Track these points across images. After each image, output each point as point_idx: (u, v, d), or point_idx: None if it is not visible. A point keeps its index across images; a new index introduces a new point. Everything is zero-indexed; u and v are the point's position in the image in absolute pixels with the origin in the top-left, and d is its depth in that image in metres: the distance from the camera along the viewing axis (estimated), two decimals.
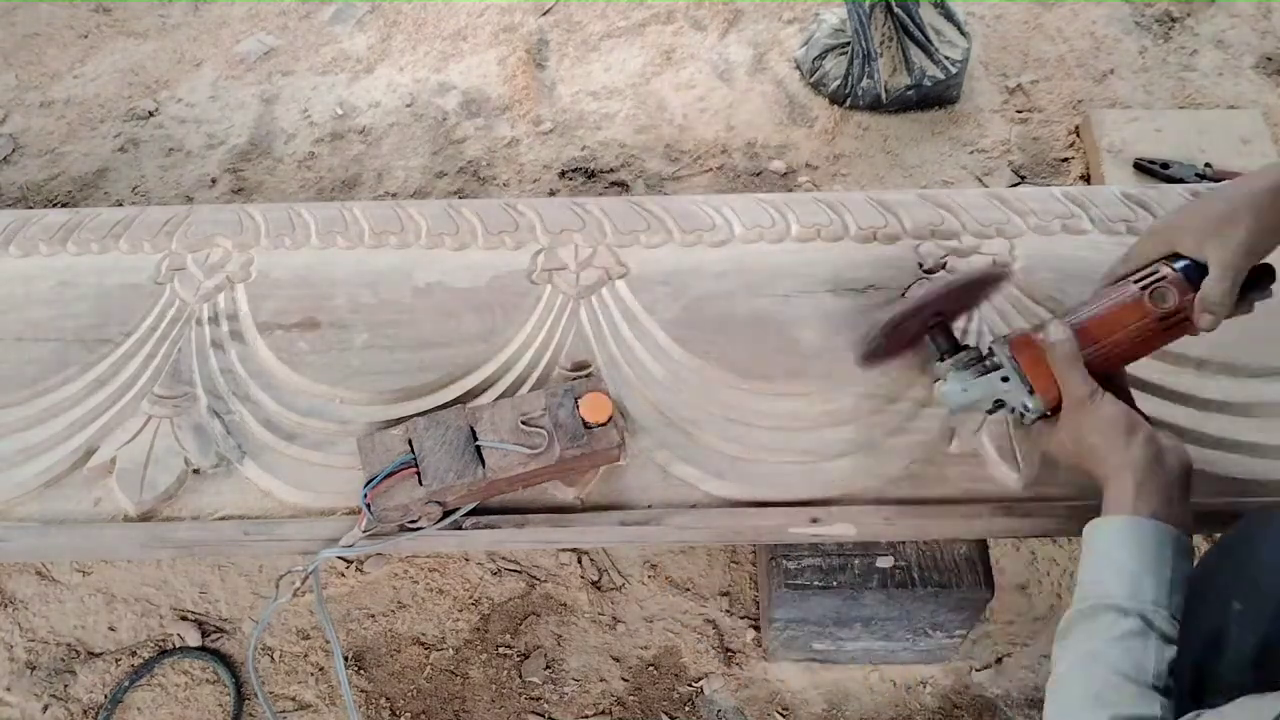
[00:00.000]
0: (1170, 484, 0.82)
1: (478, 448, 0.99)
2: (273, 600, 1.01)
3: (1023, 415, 0.91)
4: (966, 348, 0.94)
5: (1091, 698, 0.74)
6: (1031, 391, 0.89)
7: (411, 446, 0.99)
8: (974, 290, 0.98)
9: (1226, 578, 0.80)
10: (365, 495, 0.96)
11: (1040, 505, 1.02)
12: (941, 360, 0.95)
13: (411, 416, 1.02)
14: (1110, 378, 0.89)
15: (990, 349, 0.93)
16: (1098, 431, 0.84)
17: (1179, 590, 0.79)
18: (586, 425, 1.01)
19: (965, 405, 0.93)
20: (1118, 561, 0.79)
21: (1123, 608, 0.77)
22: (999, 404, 0.92)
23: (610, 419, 1.02)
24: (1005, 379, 0.91)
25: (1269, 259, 0.87)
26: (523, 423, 1.00)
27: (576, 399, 1.02)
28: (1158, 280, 0.87)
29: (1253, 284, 0.87)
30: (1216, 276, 0.84)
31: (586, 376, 1.09)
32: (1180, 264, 0.87)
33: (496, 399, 1.07)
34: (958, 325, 1.02)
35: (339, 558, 1.44)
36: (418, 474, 0.97)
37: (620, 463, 1.05)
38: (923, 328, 0.96)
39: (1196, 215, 0.88)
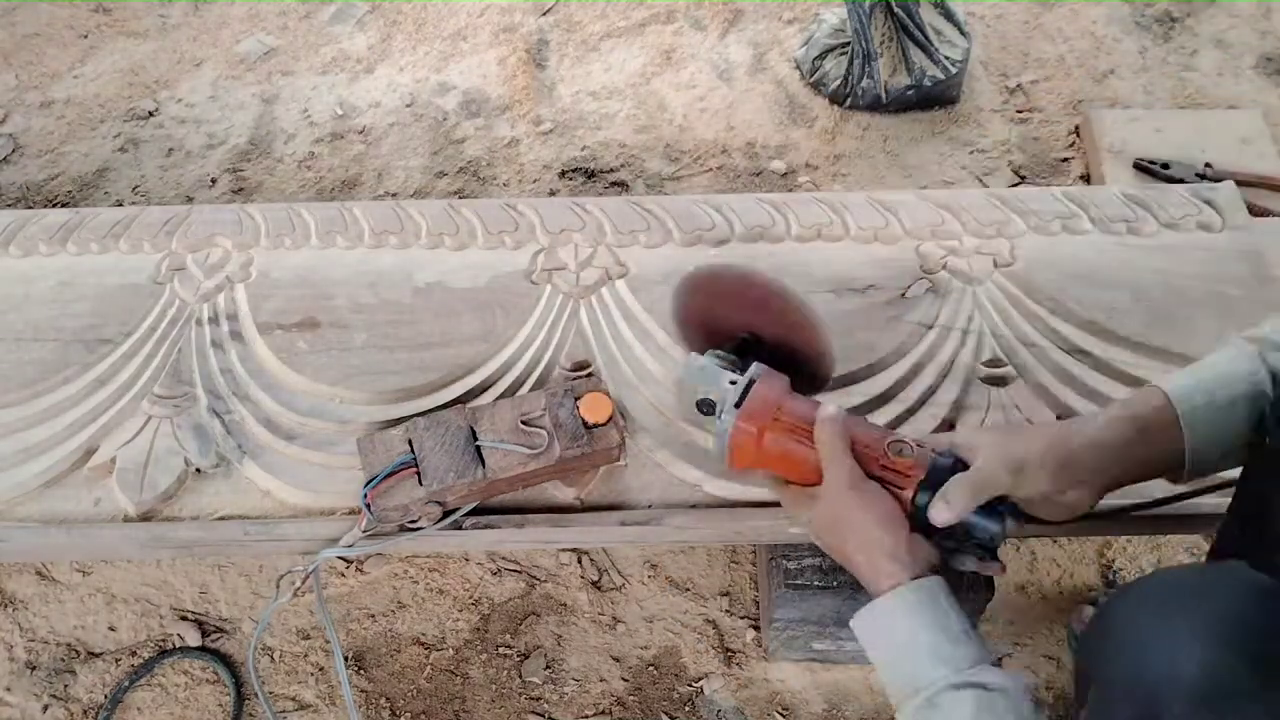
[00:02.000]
0: (927, 559, 0.82)
1: (478, 448, 0.99)
2: (273, 600, 1.01)
3: (717, 423, 0.90)
4: (743, 356, 0.94)
5: None
6: (737, 407, 0.88)
7: (411, 446, 0.99)
8: (799, 333, 0.95)
9: (1089, 659, 0.79)
10: (365, 495, 0.96)
11: None
12: (719, 349, 0.96)
13: (411, 416, 1.02)
14: None
15: (752, 366, 0.92)
16: (862, 513, 0.83)
17: (973, 629, 0.79)
18: (586, 425, 1.01)
19: (689, 381, 0.92)
20: (911, 640, 0.78)
21: (953, 683, 0.75)
22: (709, 403, 0.91)
23: (610, 419, 1.02)
24: (733, 383, 0.90)
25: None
26: (523, 423, 1.00)
27: (576, 399, 1.02)
28: (911, 442, 0.86)
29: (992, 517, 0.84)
30: (969, 472, 0.82)
31: (587, 376, 1.09)
32: (939, 455, 0.85)
33: (496, 399, 1.07)
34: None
35: (339, 558, 1.44)
36: (418, 474, 0.97)
37: (620, 463, 1.05)
38: (734, 330, 0.96)
39: (995, 431, 0.89)
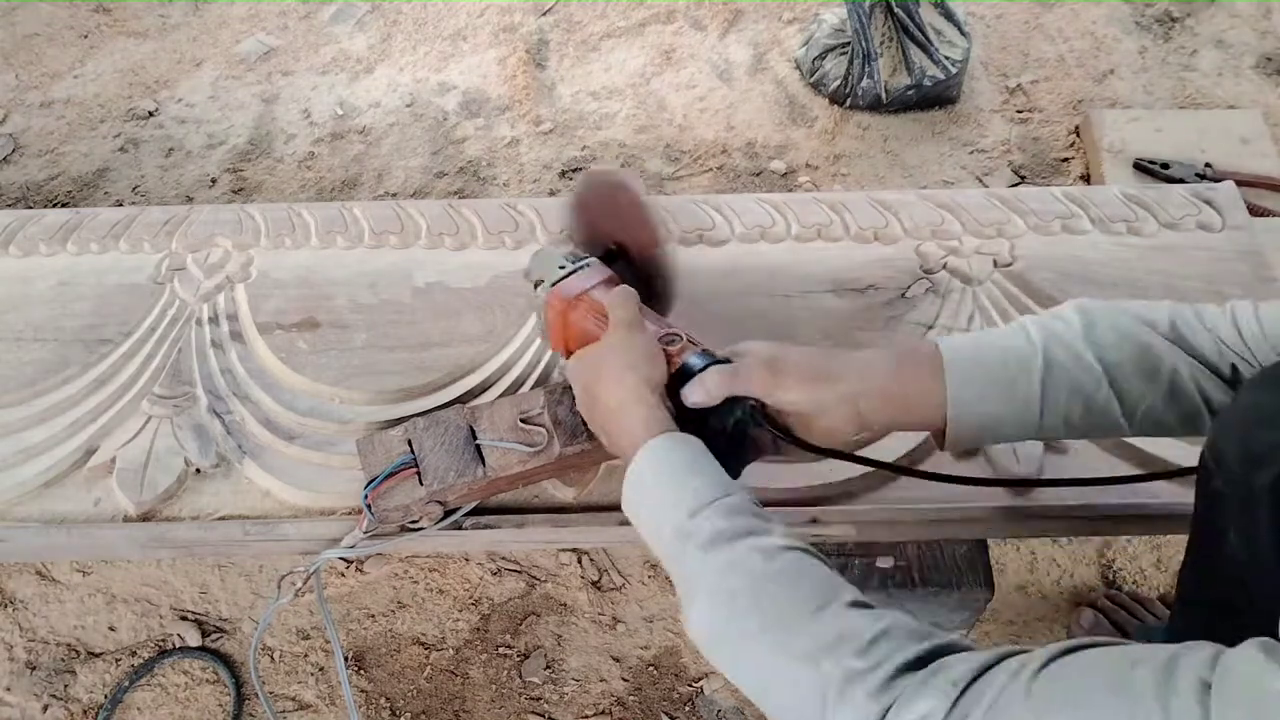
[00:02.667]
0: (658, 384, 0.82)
1: (477, 447, 0.99)
2: (274, 600, 1.01)
3: (537, 286, 0.96)
4: (587, 259, 0.98)
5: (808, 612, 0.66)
6: (554, 286, 0.94)
7: (411, 446, 0.99)
8: (648, 245, 0.97)
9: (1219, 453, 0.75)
10: (366, 496, 0.96)
11: (1044, 507, 1.02)
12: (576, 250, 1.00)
13: (411, 416, 1.02)
14: None
15: (585, 261, 0.97)
16: (629, 351, 0.83)
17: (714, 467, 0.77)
18: (585, 423, 1.01)
19: (531, 265, 1.00)
20: (666, 492, 0.75)
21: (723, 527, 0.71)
22: (539, 282, 0.97)
23: None
24: (561, 268, 0.95)
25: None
26: (521, 421, 1.00)
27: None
28: (688, 340, 0.87)
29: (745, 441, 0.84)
30: (730, 365, 0.82)
31: None
32: (708, 355, 0.86)
33: (496, 398, 1.07)
34: None
35: (339, 558, 1.44)
36: (418, 474, 0.97)
37: (620, 461, 1.04)
38: (606, 236, 1.00)
39: (774, 341, 0.88)
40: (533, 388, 1.10)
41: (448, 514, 1.00)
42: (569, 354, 0.95)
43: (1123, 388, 0.79)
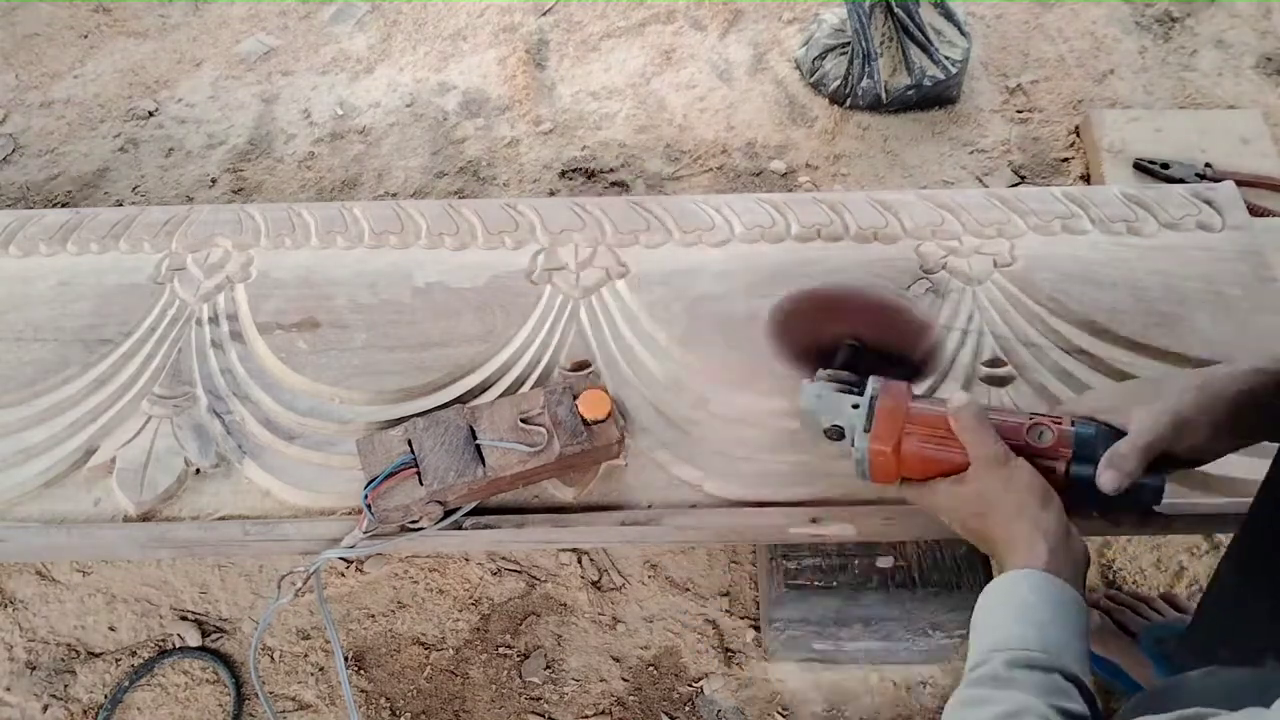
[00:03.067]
0: (1077, 563, 0.77)
1: (477, 447, 0.99)
2: (274, 600, 1.01)
3: (852, 453, 0.90)
4: (857, 375, 0.94)
5: None
6: (867, 431, 0.88)
7: (411, 447, 0.99)
8: (907, 333, 0.95)
9: None
10: (366, 496, 0.96)
11: None
12: (827, 369, 0.96)
13: (411, 416, 1.02)
14: None
15: (867, 381, 0.92)
16: (1014, 492, 0.80)
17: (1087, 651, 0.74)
18: (585, 422, 1.01)
19: (811, 411, 0.93)
20: (1040, 617, 0.72)
21: (1069, 672, 0.69)
22: (838, 429, 0.92)
23: (609, 415, 1.02)
24: (855, 406, 0.90)
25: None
26: (521, 421, 1.00)
27: (575, 396, 1.02)
28: (1049, 420, 0.85)
29: (1140, 490, 0.82)
30: (1133, 433, 0.80)
31: (586, 374, 1.09)
32: (1081, 425, 0.84)
33: (496, 398, 1.07)
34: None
35: (339, 558, 1.44)
36: (418, 474, 0.97)
37: (620, 461, 1.05)
38: (836, 338, 0.97)
39: (1130, 385, 0.87)
40: (533, 389, 1.10)
41: (447, 514, 1.00)
42: (903, 481, 0.91)
43: None
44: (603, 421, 1.01)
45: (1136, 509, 0.84)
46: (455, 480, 0.97)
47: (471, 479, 0.97)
